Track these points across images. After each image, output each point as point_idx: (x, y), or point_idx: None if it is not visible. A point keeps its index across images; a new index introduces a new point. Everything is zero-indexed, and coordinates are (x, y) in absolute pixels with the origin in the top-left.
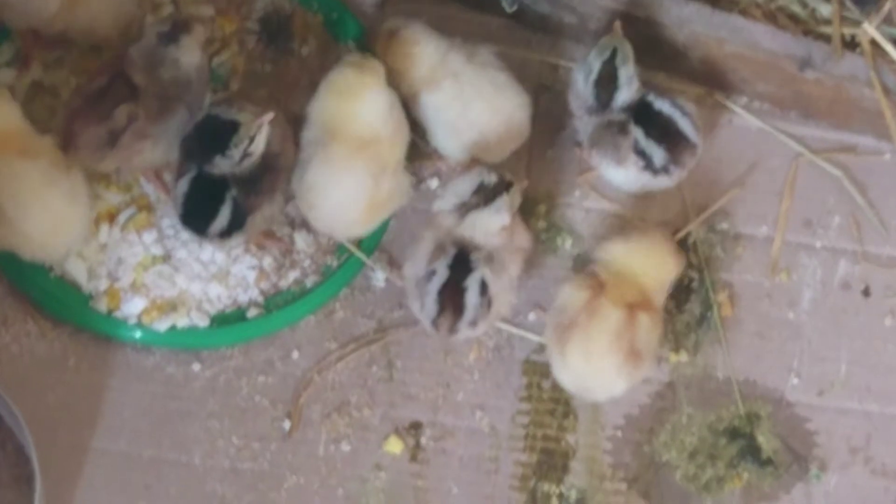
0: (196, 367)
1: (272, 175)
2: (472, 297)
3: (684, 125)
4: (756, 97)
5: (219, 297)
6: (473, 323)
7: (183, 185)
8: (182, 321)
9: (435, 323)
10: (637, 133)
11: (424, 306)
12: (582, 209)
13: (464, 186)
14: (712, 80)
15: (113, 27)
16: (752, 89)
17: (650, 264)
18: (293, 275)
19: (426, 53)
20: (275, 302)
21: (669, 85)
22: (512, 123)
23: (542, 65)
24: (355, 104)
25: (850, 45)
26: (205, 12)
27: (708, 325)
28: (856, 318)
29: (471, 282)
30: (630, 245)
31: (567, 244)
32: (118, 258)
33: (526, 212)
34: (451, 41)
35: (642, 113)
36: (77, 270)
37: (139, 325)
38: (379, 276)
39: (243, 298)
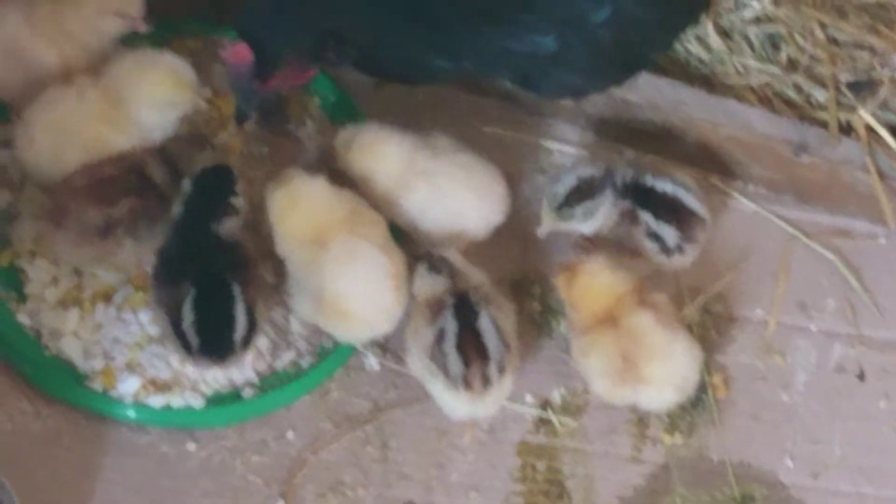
0: (191, 446)
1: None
2: (490, 337)
3: (690, 201)
4: (751, 181)
5: (214, 377)
6: (501, 367)
7: (188, 313)
8: (177, 401)
9: (466, 380)
10: (646, 217)
11: (449, 368)
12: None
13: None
14: (708, 164)
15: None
16: (747, 173)
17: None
18: (289, 356)
19: (390, 152)
20: (270, 382)
21: (664, 168)
22: (492, 197)
23: (537, 147)
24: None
25: (846, 129)
26: (202, 93)
27: (703, 406)
28: (850, 400)
29: (483, 322)
30: None
31: (562, 326)
32: (114, 337)
33: (521, 292)
34: (408, 136)
35: (646, 196)
36: (72, 349)
37: (134, 404)
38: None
39: (239, 379)
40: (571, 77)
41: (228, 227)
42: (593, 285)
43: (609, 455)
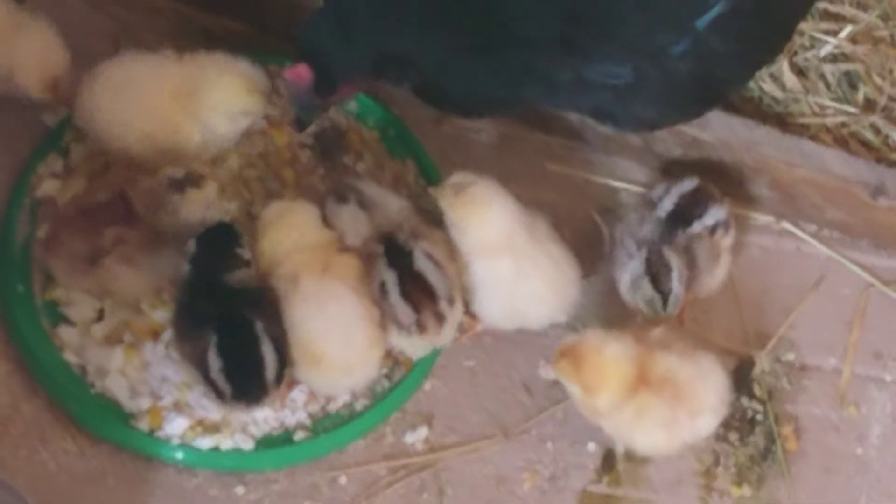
0: (240, 489)
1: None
2: (431, 274)
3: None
4: (825, 224)
5: (265, 419)
6: (450, 298)
7: (214, 361)
8: (226, 442)
9: (420, 324)
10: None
11: (400, 319)
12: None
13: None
14: (781, 206)
15: (37, 79)
16: (821, 216)
17: None
18: (343, 398)
19: (496, 218)
20: (323, 425)
21: (736, 210)
22: (565, 297)
23: (603, 186)
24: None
25: None
26: (257, 125)
27: (772, 458)
28: None
29: (420, 262)
30: None
31: None
32: (161, 376)
33: None
34: (516, 210)
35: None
36: (118, 388)
37: (181, 445)
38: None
39: (290, 421)
40: (647, 110)
41: (239, 278)
42: (608, 357)
43: None
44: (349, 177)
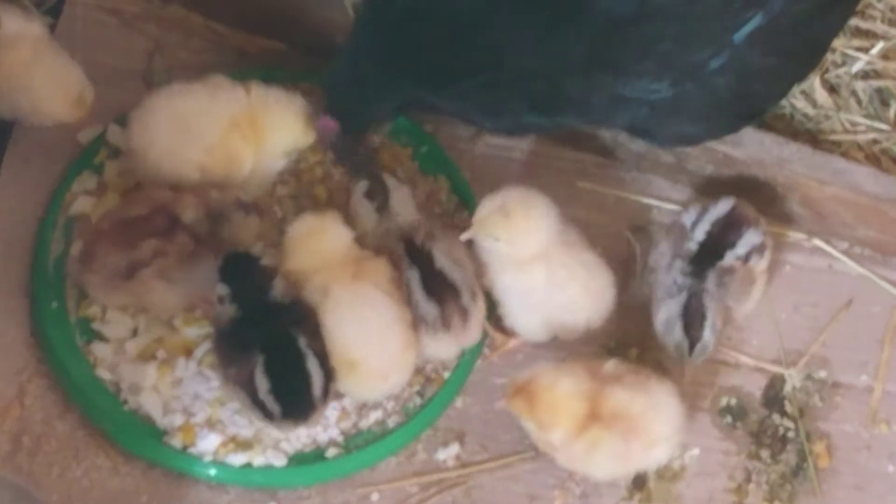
0: None
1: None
2: (451, 271)
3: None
4: (857, 242)
5: (297, 435)
6: (472, 292)
7: (261, 382)
8: (258, 459)
9: (445, 320)
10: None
11: (425, 316)
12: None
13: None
14: (812, 223)
15: (63, 102)
16: (852, 233)
17: None
18: (375, 415)
19: (541, 227)
20: (355, 442)
21: (769, 228)
22: (601, 304)
23: (636, 204)
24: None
25: None
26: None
27: (804, 476)
28: None
29: (439, 260)
30: None
31: None
32: (194, 393)
33: (617, 354)
34: (555, 217)
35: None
36: (152, 404)
37: (214, 462)
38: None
39: (323, 438)
40: (684, 125)
41: (280, 287)
42: (560, 394)
43: None
44: (383, 177)
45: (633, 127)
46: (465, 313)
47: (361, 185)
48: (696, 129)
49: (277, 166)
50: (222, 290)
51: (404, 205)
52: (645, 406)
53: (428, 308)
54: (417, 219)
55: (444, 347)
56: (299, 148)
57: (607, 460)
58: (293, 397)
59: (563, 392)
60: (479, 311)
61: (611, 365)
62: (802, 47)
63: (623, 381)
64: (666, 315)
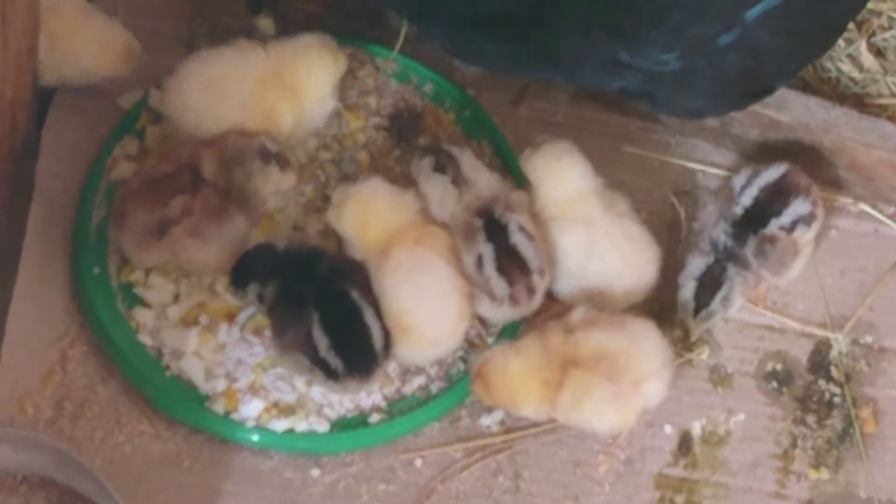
0: (315, 472)
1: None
2: (525, 248)
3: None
4: None
5: (340, 401)
6: (541, 271)
7: (320, 338)
8: (301, 425)
9: (513, 297)
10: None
11: (493, 291)
12: (720, 318)
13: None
14: (859, 188)
15: (112, 58)
16: None
17: None
18: (418, 380)
19: (568, 174)
20: (398, 407)
21: (818, 197)
22: (642, 278)
23: (680, 168)
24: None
25: None
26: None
27: (850, 441)
28: None
29: (515, 236)
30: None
31: (704, 354)
32: (237, 359)
33: (663, 320)
34: (597, 181)
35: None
36: (194, 370)
37: (257, 427)
38: None
39: (366, 403)
40: (691, 99)
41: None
42: (512, 375)
43: (752, 490)
44: (451, 146)
45: (627, 91)
46: (532, 291)
47: (427, 161)
48: (702, 103)
49: (328, 108)
50: (252, 290)
51: (476, 169)
52: (626, 343)
53: (499, 286)
54: (494, 185)
55: (501, 314)
56: (339, 77)
57: (600, 405)
58: (355, 351)
59: (514, 371)
60: (544, 285)
61: (579, 312)
62: (817, 28)
63: (598, 323)
64: (689, 270)
